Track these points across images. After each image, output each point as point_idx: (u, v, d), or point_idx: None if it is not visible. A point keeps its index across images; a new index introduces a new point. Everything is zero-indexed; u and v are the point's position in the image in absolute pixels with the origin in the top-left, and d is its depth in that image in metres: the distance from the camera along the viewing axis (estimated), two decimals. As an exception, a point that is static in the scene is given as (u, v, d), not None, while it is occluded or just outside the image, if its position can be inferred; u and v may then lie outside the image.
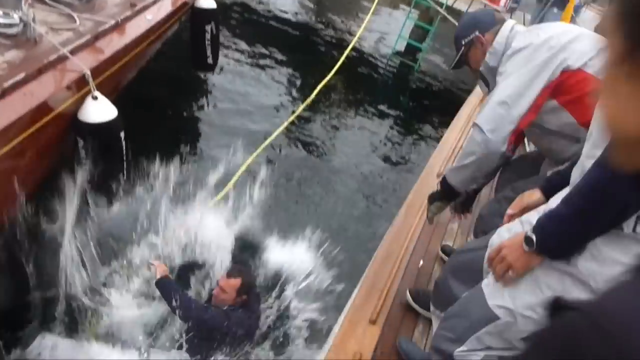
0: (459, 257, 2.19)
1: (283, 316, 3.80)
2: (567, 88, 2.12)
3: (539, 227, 1.53)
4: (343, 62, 7.16)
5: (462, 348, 1.80)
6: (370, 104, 8.04)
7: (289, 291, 3.98)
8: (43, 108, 3.01)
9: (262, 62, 7.69)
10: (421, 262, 3.10)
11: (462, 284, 2.04)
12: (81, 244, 3.61)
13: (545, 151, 2.56)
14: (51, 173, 3.41)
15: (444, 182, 2.57)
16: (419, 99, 9.62)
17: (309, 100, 6.49)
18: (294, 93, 7.13)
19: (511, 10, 10.92)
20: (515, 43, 2.24)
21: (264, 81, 7.22)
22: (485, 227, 2.39)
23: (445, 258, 3.20)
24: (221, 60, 6.71)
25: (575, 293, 1.49)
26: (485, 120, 2.21)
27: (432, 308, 2.32)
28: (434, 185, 3.97)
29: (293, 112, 6.46)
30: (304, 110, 6.47)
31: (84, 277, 3.48)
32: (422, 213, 3.57)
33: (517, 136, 2.23)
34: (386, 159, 6.72)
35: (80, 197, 3.66)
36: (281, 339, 3.61)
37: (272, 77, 7.43)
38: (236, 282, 3.42)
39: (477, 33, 2.39)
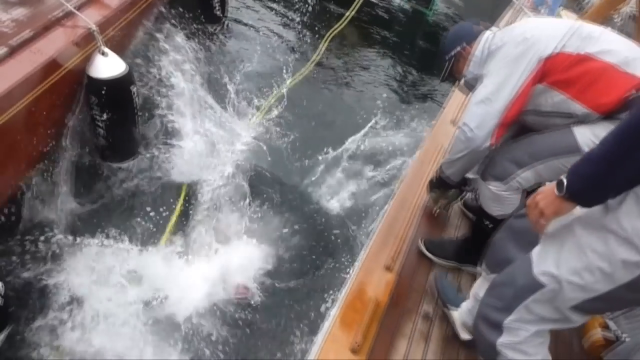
0: (522, 221, 1.97)
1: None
2: (551, 71, 2.19)
3: (570, 170, 1.49)
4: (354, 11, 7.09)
5: (510, 317, 1.77)
6: (384, 48, 7.84)
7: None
8: (52, 65, 3.00)
9: (273, 12, 7.52)
10: (437, 209, 3.09)
11: (520, 249, 1.92)
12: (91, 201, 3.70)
13: None
14: (64, 131, 3.41)
15: (439, 173, 2.77)
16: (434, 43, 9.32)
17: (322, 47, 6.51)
18: (308, 42, 6.98)
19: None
20: (492, 46, 2.38)
21: (277, 31, 7.08)
22: (494, 172, 2.41)
23: (469, 214, 3.21)
24: (232, 12, 6.62)
25: (622, 254, 1.45)
26: (469, 119, 2.34)
27: (482, 266, 2.23)
28: (448, 132, 3.95)
29: (308, 59, 6.39)
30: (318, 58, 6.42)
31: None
32: (437, 158, 3.54)
33: (505, 128, 2.31)
34: (401, 103, 6.57)
35: (93, 155, 3.70)
36: (298, 287, 3.65)
37: (285, 24, 7.27)
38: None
39: (464, 44, 2.53)
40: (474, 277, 2.70)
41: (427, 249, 2.84)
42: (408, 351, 2.26)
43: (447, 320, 2.45)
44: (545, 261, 1.66)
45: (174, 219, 3.77)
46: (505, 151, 2.39)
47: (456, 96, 4.46)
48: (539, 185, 2.35)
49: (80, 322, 3.00)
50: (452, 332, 2.41)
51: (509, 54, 2.26)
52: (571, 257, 1.58)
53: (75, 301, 3.07)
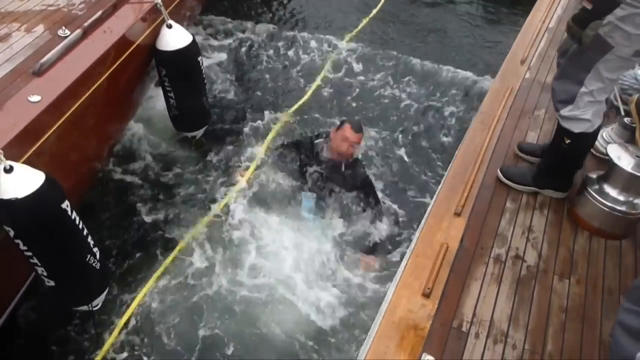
0: None
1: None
2: None
3: None
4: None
5: None
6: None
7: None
8: (123, 42, 3.17)
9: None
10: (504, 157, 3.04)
11: None
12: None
13: None
14: (140, 104, 3.61)
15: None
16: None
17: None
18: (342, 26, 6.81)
19: None
20: None
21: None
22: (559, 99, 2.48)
23: (523, 156, 3.10)
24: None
25: None
26: None
27: None
28: (518, 73, 3.82)
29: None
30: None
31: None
32: (505, 102, 3.45)
33: None
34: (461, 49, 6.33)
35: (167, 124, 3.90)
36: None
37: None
38: (361, 134, 3.57)
39: None
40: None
41: (505, 177, 2.88)
42: (480, 294, 2.29)
43: (519, 263, 2.45)
44: None
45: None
46: (559, 76, 2.51)
47: (524, 35, 4.29)
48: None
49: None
50: (524, 274, 2.41)
51: None
52: None
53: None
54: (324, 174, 3.60)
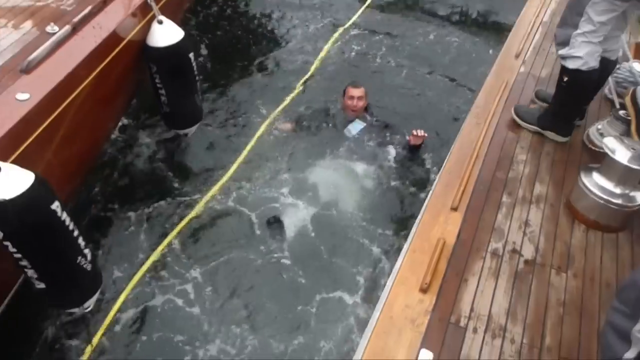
0: None
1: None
2: None
3: None
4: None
5: (637, 326, 1.48)
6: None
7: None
8: (113, 38, 3.12)
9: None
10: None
11: None
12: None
13: None
14: (130, 101, 3.57)
15: None
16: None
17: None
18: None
19: None
20: None
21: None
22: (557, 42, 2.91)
23: (538, 102, 3.47)
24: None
25: None
26: None
27: None
28: (513, 67, 3.81)
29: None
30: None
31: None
32: (500, 96, 3.44)
33: None
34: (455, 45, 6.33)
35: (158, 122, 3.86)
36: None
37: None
38: (362, 88, 4.25)
39: None
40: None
41: (516, 114, 3.27)
42: (478, 289, 2.27)
43: (516, 257, 2.44)
44: None
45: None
46: (560, 23, 2.91)
47: (518, 29, 4.28)
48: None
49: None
50: (521, 267, 2.39)
51: None
52: None
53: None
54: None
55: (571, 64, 2.81)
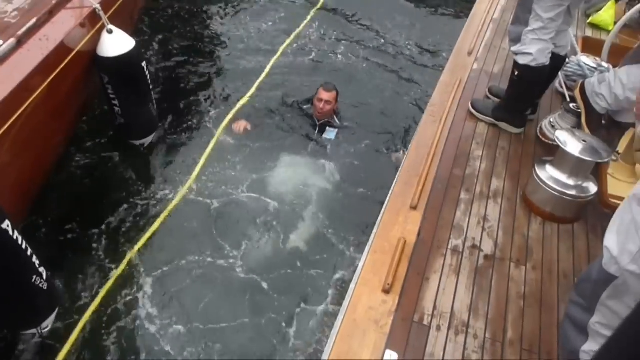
0: None
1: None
2: None
3: None
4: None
5: (594, 319, 1.50)
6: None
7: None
8: (61, 50, 3.03)
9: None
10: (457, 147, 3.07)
11: None
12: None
13: None
14: (83, 114, 3.48)
15: None
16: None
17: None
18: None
19: None
20: None
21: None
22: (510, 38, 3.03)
23: (491, 97, 3.57)
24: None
25: None
26: None
27: None
28: (466, 64, 3.86)
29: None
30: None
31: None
32: (455, 93, 3.48)
33: None
34: (408, 45, 6.41)
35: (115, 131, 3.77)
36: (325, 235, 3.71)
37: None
38: (333, 93, 4.27)
39: None
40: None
41: (473, 108, 3.37)
42: (440, 286, 2.29)
43: (476, 252, 2.47)
44: (612, 246, 1.39)
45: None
46: (513, 21, 3.03)
47: (469, 27, 4.34)
48: None
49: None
50: (482, 263, 2.42)
51: None
52: (628, 240, 1.33)
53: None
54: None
55: (522, 60, 2.91)
